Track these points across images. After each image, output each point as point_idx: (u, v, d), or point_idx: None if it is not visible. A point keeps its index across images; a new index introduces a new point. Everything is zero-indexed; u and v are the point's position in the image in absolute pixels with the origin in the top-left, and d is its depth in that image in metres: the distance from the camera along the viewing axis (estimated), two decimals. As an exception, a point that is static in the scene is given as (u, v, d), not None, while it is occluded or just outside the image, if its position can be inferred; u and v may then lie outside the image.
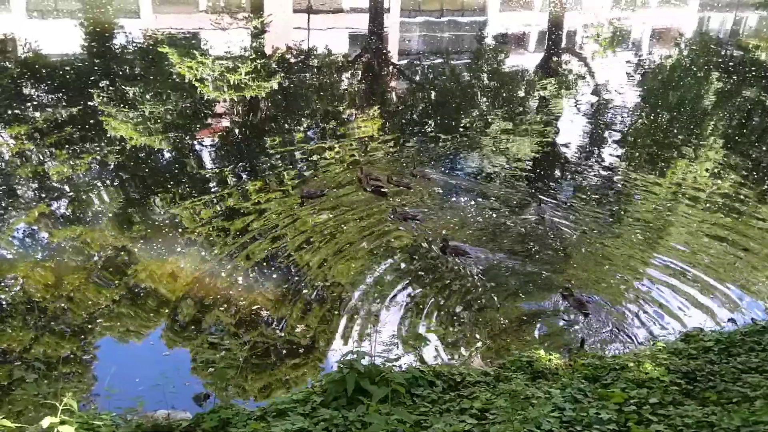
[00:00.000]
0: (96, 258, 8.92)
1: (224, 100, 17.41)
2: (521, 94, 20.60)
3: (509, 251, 9.58)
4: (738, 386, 5.17)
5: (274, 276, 8.72)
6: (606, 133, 16.51)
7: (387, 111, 17.80)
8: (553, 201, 11.45)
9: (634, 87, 22.26)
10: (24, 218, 10.06)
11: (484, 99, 19.60)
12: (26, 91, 17.04)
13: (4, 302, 7.76)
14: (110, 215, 10.28)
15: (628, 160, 14.20)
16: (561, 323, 7.94)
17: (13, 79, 17.85)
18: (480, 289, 8.46)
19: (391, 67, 24.54)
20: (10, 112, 14.86)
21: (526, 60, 26.89)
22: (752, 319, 7.49)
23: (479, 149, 14.55)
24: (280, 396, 5.64)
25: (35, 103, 15.97)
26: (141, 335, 7.51)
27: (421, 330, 7.59)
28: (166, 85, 18.15)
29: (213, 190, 11.42)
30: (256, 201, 10.97)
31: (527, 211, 11.02)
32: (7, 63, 19.86)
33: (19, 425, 4.58)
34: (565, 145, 15.15)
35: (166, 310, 7.84)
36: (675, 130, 16.63)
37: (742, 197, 11.92)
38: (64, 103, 15.98)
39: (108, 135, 13.79)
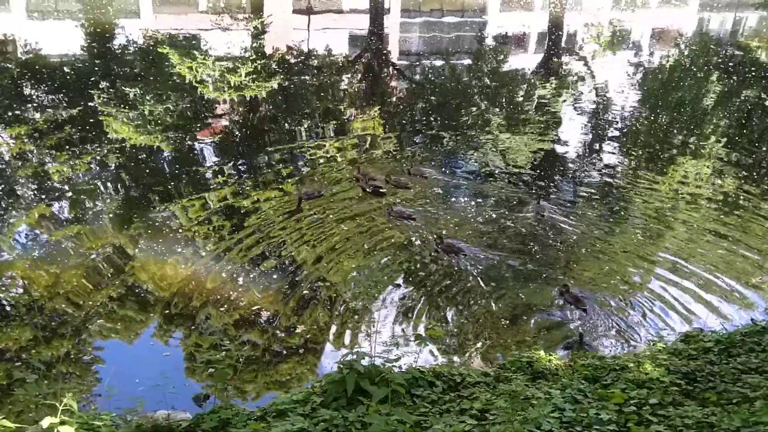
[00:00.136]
0: (96, 258, 8.92)
1: (224, 101, 17.41)
2: (521, 94, 20.60)
3: (509, 250, 9.58)
4: (738, 387, 5.16)
5: (274, 276, 8.73)
6: (606, 133, 16.51)
7: (387, 111, 17.81)
8: (553, 201, 11.45)
9: (634, 87, 22.27)
10: (24, 218, 10.06)
11: (484, 99, 19.61)
12: (26, 91, 17.04)
13: (4, 302, 7.76)
14: (110, 215, 10.29)
15: (628, 160, 14.21)
16: (559, 320, 7.96)
17: (14, 80, 17.86)
18: (480, 289, 8.46)
19: (391, 68, 24.55)
20: (10, 113, 14.87)
21: (526, 60, 26.90)
22: (752, 319, 7.49)
23: (479, 149, 14.55)
24: (280, 396, 5.64)
25: (35, 103, 15.98)
26: (141, 335, 7.50)
27: (421, 330, 7.59)
28: (166, 85, 18.16)
29: (213, 190, 11.42)
30: (256, 201, 10.97)
31: (526, 210, 11.03)
32: (7, 64, 19.86)
33: (19, 425, 4.58)
34: (565, 145, 15.15)
35: (166, 311, 7.84)
36: (675, 130, 16.63)
37: (742, 197, 11.92)
38: (64, 104, 15.99)
39: (108, 135, 13.80)
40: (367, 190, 11.45)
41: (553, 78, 23.22)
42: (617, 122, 17.56)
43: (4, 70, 18.98)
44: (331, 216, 10.47)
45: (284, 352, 7.27)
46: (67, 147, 13.02)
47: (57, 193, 11.00)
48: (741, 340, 6.30)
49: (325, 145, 14.21)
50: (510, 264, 9.19)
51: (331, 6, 38.13)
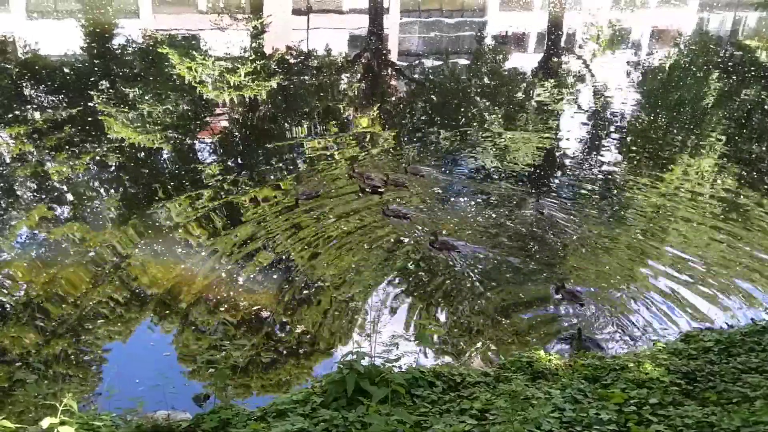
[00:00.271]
0: (96, 258, 8.91)
1: (224, 101, 17.41)
2: (521, 94, 20.61)
3: (508, 249, 9.58)
4: (738, 386, 5.16)
5: (274, 276, 8.73)
6: (606, 133, 16.51)
7: (386, 111, 17.81)
8: (553, 199, 11.45)
9: (634, 87, 22.28)
10: (24, 219, 10.06)
11: (484, 99, 19.61)
12: (26, 91, 17.04)
13: (3, 302, 7.76)
14: (110, 216, 10.29)
15: (628, 160, 14.21)
16: (558, 316, 8.00)
17: (13, 80, 17.86)
18: (480, 289, 8.46)
19: (390, 68, 24.55)
20: (10, 113, 14.87)
21: (526, 60, 26.90)
22: (752, 319, 7.49)
23: (478, 148, 14.56)
24: (280, 396, 5.64)
25: (35, 104, 15.97)
26: (141, 335, 7.50)
27: (421, 330, 7.59)
28: (165, 85, 18.16)
29: (213, 190, 11.41)
30: (256, 201, 10.97)
31: (526, 208, 11.05)
32: (6, 64, 19.86)
33: (19, 426, 4.58)
34: (565, 145, 15.15)
35: (166, 311, 7.84)
36: (675, 130, 16.64)
37: (742, 197, 11.93)
38: (64, 104, 15.99)
39: (108, 135, 13.80)
40: (367, 189, 11.46)
41: (552, 78, 23.22)
42: (617, 121, 17.57)
43: (4, 70, 18.97)
44: (330, 215, 10.47)
45: (284, 352, 7.27)
46: (67, 147, 13.02)
47: (56, 193, 11.00)
48: (741, 340, 6.30)
49: (324, 145, 14.22)
50: (510, 262, 9.20)
51: (331, 6, 38.13)
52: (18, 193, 11.01)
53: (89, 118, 14.81)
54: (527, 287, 8.61)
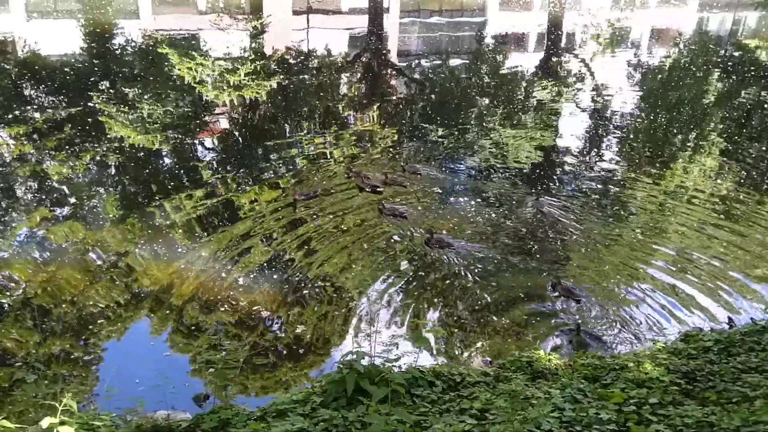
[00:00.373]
0: (96, 259, 8.92)
1: (224, 101, 17.41)
2: (520, 94, 20.60)
3: (508, 248, 9.59)
4: (738, 386, 5.16)
5: (274, 276, 8.73)
6: (605, 133, 16.52)
7: (386, 111, 17.81)
8: (552, 199, 11.46)
9: (634, 87, 22.28)
10: (24, 219, 10.06)
11: (484, 99, 19.61)
12: (26, 92, 17.04)
13: (5, 304, 7.76)
14: (110, 216, 10.29)
15: (628, 160, 14.21)
16: (556, 314, 8.05)
17: (13, 80, 17.86)
18: (479, 288, 8.46)
19: (390, 68, 24.55)
20: (10, 113, 14.87)
21: (526, 60, 26.89)
22: (752, 318, 7.49)
23: (478, 147, 14.57)
24: (279, 396, 5.64)
25: (35, 104, 15.97)
26: (141, 335, 7.50)
27: (421, 330, 7.59)
28: (165, 86, 18.16)
29: (212, 190, 11.42)
30: (255, 201, 10.98)
31: (525, 206, 11.06)
32: (6, 64, 19.86)
33: (19, 426, 4.58)
34: (565, 144, 15.16)
35: (166, 311, 7.84)
36: (674, 130, 16.64)
37: (741, 196, 11.93)
38: (63, 104, 15.99)
39: (107, 136, 13.80)
40: (366, 189, 11.46)
41: (552, 77, 23.22)
42: (617, 121, 17.57)
43: (4, 70, 18.97)
44: (329, 215, 10.48)
45: (284, 352, 7.27)
46: (67, 147, 13.02)
47: (56, 194, 11.00)
48: (741, 340, 6.30)
49: (323, 145, 14.22)
50: (509, 261, 9.21)
51: (331, 6, 38.13)
52: (18, 193, 11.01)
53: (89, 119, 14.81)
54: (527, 286, 8.61)
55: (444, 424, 4.60)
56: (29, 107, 15.54)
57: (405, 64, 25.22)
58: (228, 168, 12.63)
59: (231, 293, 8.24)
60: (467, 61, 26.25)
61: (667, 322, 7.82)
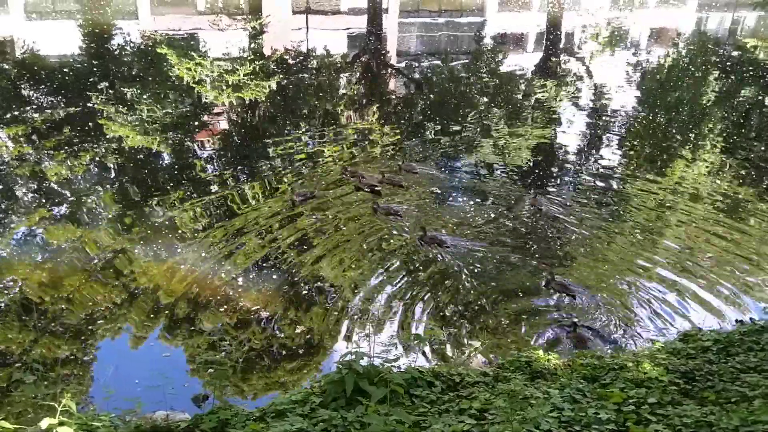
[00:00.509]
0: (95, 259, 8.91)
1: (223, 102, 17.41)
2: (520, 94, 20.62)
3: (507, 248, 9.59)
4: (736, 386, 5.17)
5: (273, 277, 8.73)
6: (605, 133, 16.52)
7: (385, 111, 17.82)
8: (551, 199, 11.45)
9: (633, 87, 22.29)
10: (24, 221, 10.06)
11: (483, 99, 19.61)
12: (25, 92, 17.03)
13: (3, 304, 7.76)
14: (109, 216, 10.28)
15: (627, 160, 14.22)
16: (552, 310, 8.10)
17: (12, 81, 17.85)
18: (478, 288, 8.46)
19: (389, 68, 24.56)
20: (9, 114, 14.86)
21: (525, 60, 26.90)
22: (750, 318, 7.50)
23: (477, 147, 14.58)
24: (279, 397, 5.64)
25: (34, 104, 15.96)
26: (140, 336, 7.50)
27: (420, 330, 7.60)
28: (164, 86, 18.16)
29: (211, 190, 11.42)
30: (254, 201, 10.98)
31: (523, 204, 11.08)
32: (5, 65, 19.85)
33: (18, 426, 4.58)
34: (564, 144, 15.17)
35: (165, 311, 7.83)
36: (673, 130, 16.65)
37: (740, 196, 11.94)
38: (62, 105, 15.98)
39: (107, 136, 13.80)
40: (365, 189, 11.47)
41: (551, 77, 23.23)
42: (616, 121, 17.57)
43: (3, 70, 18.97)
44: (328, 216, 10.48)
45: (283, 352, 7.27)
46: (66, 148, 13.02)
47: (56, 195, 10.99)
48: (739, 339, 6.31)
49: (323, 145, 14.22)
50: (507, 259, 9.23)
51: (330, 6, 38.14)
52: (17, 193, 11.00)
53: (88, 119, 14.80)
54: (524, 283, 8.62)
55: (443, 424, 4.60)
56: (28, 108, 15.53)
57: (404, 65, 25.24)
58: (227, 168, 12.62)
59: (230, 293, 8.23)
60: (466, 62, 26.26)
61: (666, 321, 7.83)
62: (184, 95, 17.50)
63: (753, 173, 13.41)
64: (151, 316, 7.77)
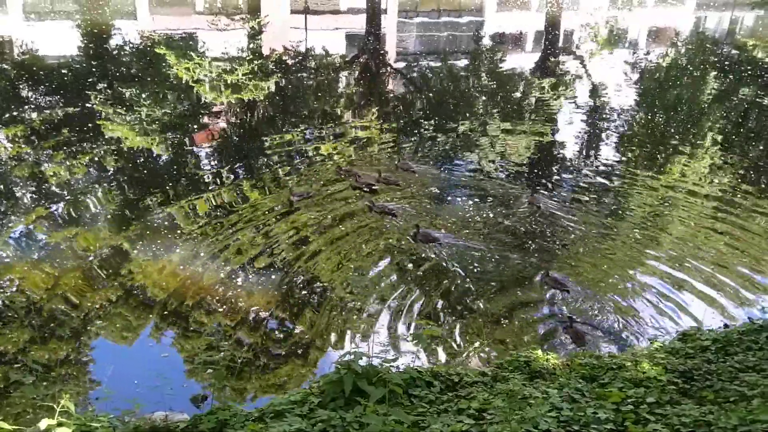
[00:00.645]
0: (93, 259, 8.91)
1: (221, 102, 17.40)
2: (518, 93, 20.62)
3: (506, 247, 9.60)
4: (735, 385, 5.17)
5: (272, 277, 8.72)
6: (603, 133, 16.53)
7: (384, 111, 17.82)
8: (550, 198, 11.46)
9: (631, 86, 22.30)
10: (22, 220, 10.05)
11: (482, 99, 19.62)
12: (23, 93, 17.02)
13: (1, 304, 7.75)
14: (108, 216, 10.28)
15: (626, 159, 14.23)
16: (547, 305, 8.16)
17: (11, 81, 17.83)
18: (477, 287, 8.46)
19: (388, 68, 24.55)
20: (7, 114, 14.85)
21: (524, 60, 26.92)
22: (749, 317, 7.50)
23: (475, 147, 14.59)
24: (277, 397, 5.64)
25: (32, 105, 15.95)
26: (139, 337, 7.49)
27: (419, 330, 7.59)
28: (163, 86, 18.15)
29: (210, 191, 11.42)
30: (253, 202, 10.97)
31: (521, 202, 11.09)
32: (4, 65, 19.84)
33: (17, 427, 4.58)
34: (563, 143, 15.18)
35: (164, 312, 7.83)
36: (672, 129, 16.66)
37: (739, 195, 11.94)
38: (61, 105, 15.97)
39: (105, 137, 13.79)
40: (364, 189, 11.47)
41: (550, 77, 23.24)
42: (615, 121, 17.58)
43: (1, 71, 18.95)
44: (325, 215, 10.48)
45: (282, 352, 7.27)
46: (65, 148, 13.01)
47: (54, 195, 10.98)
48: (738, 339, 6.31)
49: (321, 145, 14.22)
50: (503, 256, 9.24)
51: (329, 6, 38.13)
52: (16, 195, 10.99)
53: (87, 119, 14.79)
54: (524, 285, 8.62)
55: (442, 424, 4.60)
56: (27, 108, 15.52)
57: (403, 64, 25.23)
58: (225, 168, 12.62)
59: (228, 293, 8.23)
60: (465, 61, 26.26)
61: (664, 322, 7.83)
62: (183, 95, 17.49)
63: (752, 172, 13.41)
64: (150, 316, 7.77)
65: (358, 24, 33.20)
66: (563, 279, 8.51)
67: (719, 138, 15.79)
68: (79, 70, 19.85)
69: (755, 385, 5.08)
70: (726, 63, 26.96)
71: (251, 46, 25.35)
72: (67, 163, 12.24)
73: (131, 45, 24.17)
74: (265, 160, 13.13)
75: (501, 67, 24.84)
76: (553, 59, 27.56)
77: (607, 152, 14.86)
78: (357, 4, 37.01)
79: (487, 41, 31.85)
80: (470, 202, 11.29)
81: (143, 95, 16.96)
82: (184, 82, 18.63)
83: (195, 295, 8.16)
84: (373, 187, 11.47)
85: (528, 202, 11.04)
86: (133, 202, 10.85)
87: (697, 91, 21.34)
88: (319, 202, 11.01)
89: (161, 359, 7.08)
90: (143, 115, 15.33)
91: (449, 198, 11.59)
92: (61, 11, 30.45)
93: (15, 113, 15.02)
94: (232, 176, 12.18)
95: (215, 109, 16.83)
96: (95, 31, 25.92)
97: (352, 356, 5.10)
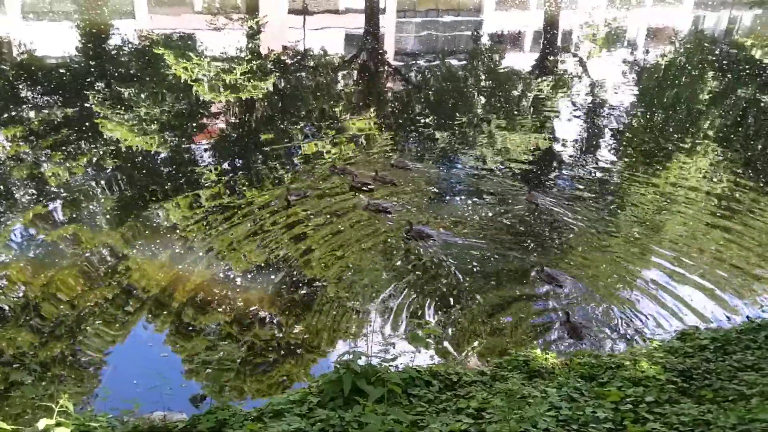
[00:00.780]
0: (92, 259, 8.90)
1: (220, 101, 17.39)
2: (517, 93, 20.62)
3: (505, 246, 9.61)
4: (734, 384, 5.17)
5: (270, 276, 8.72)
6: (602, 132, 16.54)
7: (382, 110, 17.81)
8: (549, 197, 11.46)
9: (630, 86, 22.30)
10: (20, 220, 10.04)
11: (480, 98, 19.62)
12: (22, 93, 17.00)
13: (1, 304, 7.74)
14: (106, 217, 10.27)
15: (625, 159, 14.23)
16: (544, 301, 8.21)
17: (9, 81, 17.81)
18: (476, 286, 8.47)
19: (386, 67, 24.54)
20: (6, 114, 14.83)
21: (522, 59, 26.91)
22: (748, 316, 7.51)
23: (474, 146, 14.59)
24: (276, 396, 5.63)
25: (31, 105, 15.94)
26: (138, 336, 7.49)
27: (418, 329, 7.59)
28: (161, 86, 18.13)
29: (208, 191, 11.41)
30: (251, 201, 10.97)
31: (519, 200, 11.11)
32: (2, 65, 19.81)
33: (16, 427, 4.57)
34: (561, 142, 15.18)
35: (164, 311, 7.83)
36: (671, 129, 16.67)
37: (738, 194, 11.95)
38: (59, 105, 15.95)
39: (104, 136, 13.78)
40: (363, 188, 11.47)
41: (548, 76, 23.24)
42: (613, 121, 17.58)
43: (0, 71, 18.92)
44: (322, 214, 10.49)
45: (281, 352, 7.27)
46: (63, 148, 13.00)
47: (53, 195, 10.97)
48: (737, 338, 6.32)
49: (320, 145, 14.21)
50: (505, 258, 9.24)
51: (327, 6, 38.10)
52: (15, 194, 10.98)
53: (85, 119, 14.78)
54: (523, 284, 8.63)
55: (441, 423, 4.60)
56: (25, 108, 15.50)
57: (401, 64, 25.22)
58: (224, 168, 12.61)
59: (227, 293, 8.23)
60: (464, 61, 26.25)
61: (663, 321, 7.84)
62: (181, 95, 17.47)
63: (750, 170, 13.42)
64: (149, 316, 7.77)
65: (357, 24, 33.18)
66: (557, 274, 8.59)
67: (718, 137, 15.80)
68: (78, 70, 19.83)
69: (754, 384, 5.09)
70: (724, 62, 26.97)
71: (249, 45, 25.32)
72: (66, 163, 12.22)
73: (130, 45, 24.15)
74: (264, 159, 13.13)
75: (499, 66, 24.83)
76: (551, 58, 27.55)
77: (606, 151, 14.87)
78: (355, 4, 36.98)
79: (485, 40, 31.84)
80: (468, 200, 11.30)
81: (142, 95, 16.95)
82: (182, 81, 18.61)
83: (194, 295, 8.16)
84: (370, 187, 11.48)
85: (526, 199, 11.06)
86: (131, 202, 10.84)
87: (695, 90, 21.35)
88: (317, 201, 11.00)
89: (160, 359, 7.08)
90: (142, 114, 15.31)
91: (447, 196, 11.61)
92: (60, 11, 30.40)
93: (13, 113, 15.00)
94: (231, 176, 12.16)
95: (213, 108, 16.81)
96: (94, 30, 25.89)
97: (352, 356, 5.10)
